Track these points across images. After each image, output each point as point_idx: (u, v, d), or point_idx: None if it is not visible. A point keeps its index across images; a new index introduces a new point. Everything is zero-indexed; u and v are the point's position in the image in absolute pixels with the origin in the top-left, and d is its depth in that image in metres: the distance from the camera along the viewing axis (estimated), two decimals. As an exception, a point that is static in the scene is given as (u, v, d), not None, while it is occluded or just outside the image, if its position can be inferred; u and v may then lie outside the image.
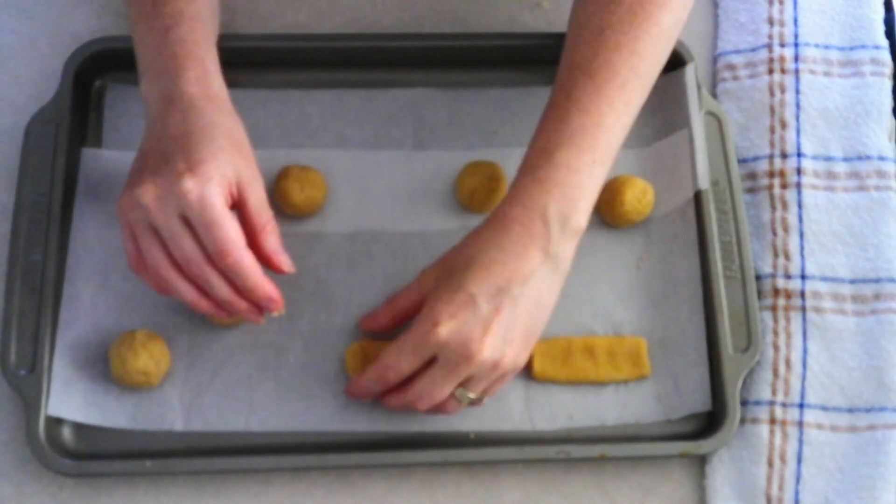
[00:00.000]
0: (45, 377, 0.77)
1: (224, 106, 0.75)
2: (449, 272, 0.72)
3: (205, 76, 0.74)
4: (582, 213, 0.73)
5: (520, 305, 0.71)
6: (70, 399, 0.78)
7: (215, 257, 0.70)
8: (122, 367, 0.77)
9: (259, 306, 0.73)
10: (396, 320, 0.77)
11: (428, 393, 0.73)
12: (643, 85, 0.76)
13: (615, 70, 0.74)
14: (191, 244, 0.70)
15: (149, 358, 0.77)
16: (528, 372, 0.80)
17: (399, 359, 0.72)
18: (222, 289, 0.71)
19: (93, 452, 0.78)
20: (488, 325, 0.70)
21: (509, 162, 0.85)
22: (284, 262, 0.75)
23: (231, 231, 0.70)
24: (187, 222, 0.69)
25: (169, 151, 0.70)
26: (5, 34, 0.90)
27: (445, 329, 0.70)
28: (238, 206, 0.73)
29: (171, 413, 0.79)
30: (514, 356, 0.73)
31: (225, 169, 0.70)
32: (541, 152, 0.73)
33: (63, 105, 0.84)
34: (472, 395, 0.74)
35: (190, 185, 0.68)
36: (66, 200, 0.82)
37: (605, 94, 0.73)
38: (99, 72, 0.88)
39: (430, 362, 0.72)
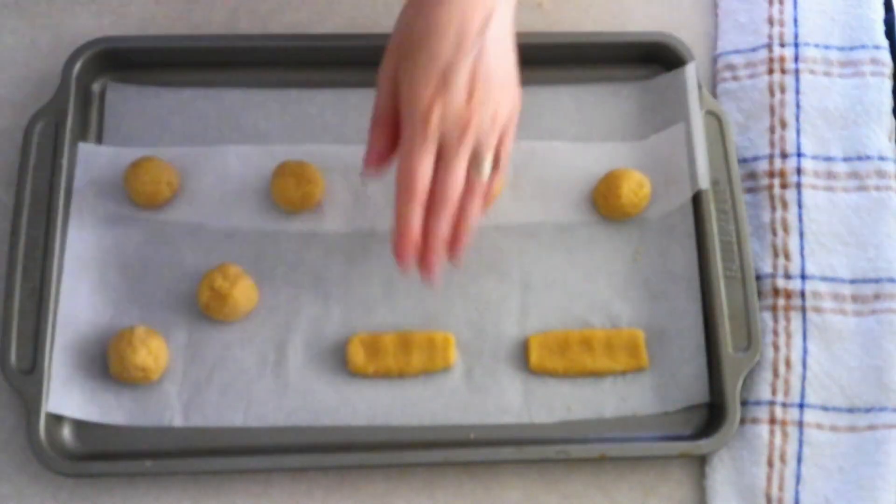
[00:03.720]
0: (46, 377, 0.77)
1: None
2: (409, 52, 0.71)
3: None
4: None
5: (490, 53, 0.71)
6: (69, 396, 0.78)
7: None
8: (121, 363, 0.77)
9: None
10: (389, 132, 0.74)
11: (451, 182, 0.71)
12: None
13: None
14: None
15: (147, 354, 0.77)
16: (525, 365, 0.81)
17: (411, 164, 0.70)
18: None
19: (93, 453, 0.78)
20: (471, 89, 0.70)
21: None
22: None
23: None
24: None
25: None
26: (5, 34, 0.90)
27: (434, 117, 0.69)
28: None
29: (169, 409, 0.79)
30: (509, 101, 0.73)
31: None
32: None
33: (63, 105, 0.84)
34: (487, 163, 0.73)
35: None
36: (66, 200, 0.82)
37: None
38: (99, 72, 0.88)
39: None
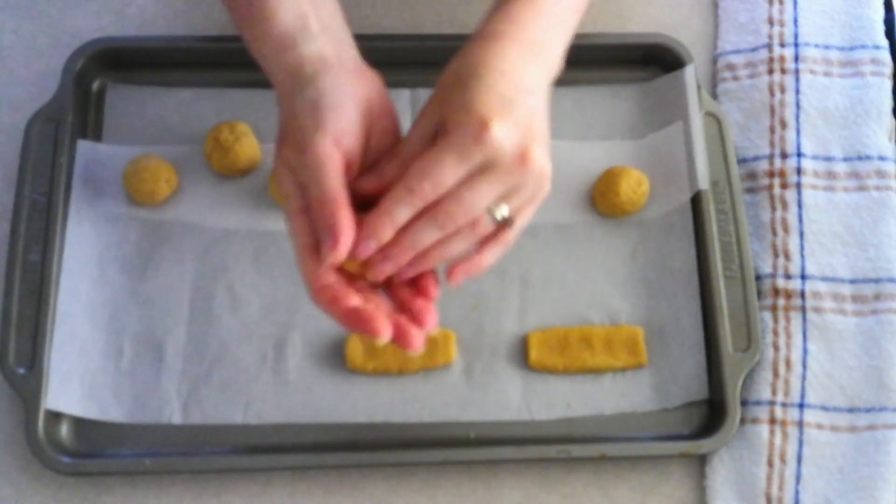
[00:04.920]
0: (45, 376, 0.77)
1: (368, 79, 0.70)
2: (461, 83, 0.64)
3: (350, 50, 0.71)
4: (561, 56, 0.70)
5: (542, 112, 0.65)
6: (68, 393, 0.78)
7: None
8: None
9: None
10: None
11: (468, 203, 0.63)
12: None
13: None
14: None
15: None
16: (525, 362, 0.81)
17: (441, 169, 0.62)
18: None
19: (92, 451, 0.78)
20: (531, 128, 0.63)
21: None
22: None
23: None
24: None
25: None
26: (5, 34, 0.90)
27: (499, 129, 0.61)
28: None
29: (168, 406, 0.79)
30: (549, 174, 0.66)
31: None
32: None
33: (63, 104, 0.84)
34: (506, 213, 0.65)
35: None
36: (66, 200, 0.82)
37: None
38: (99, 72, 0.88)
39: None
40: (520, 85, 0.64)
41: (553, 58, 0.69)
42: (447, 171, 0.62)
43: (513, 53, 0.66)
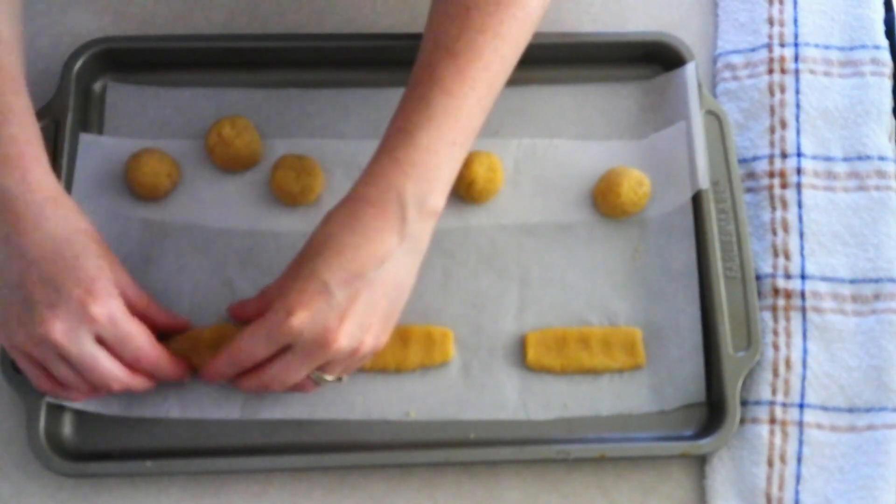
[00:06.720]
0: (45, 377, 0.77)
1: (72, 207, 0.74)
2: (301, 259, 0.72)
3: (45, 176, 0.73)
4: (439, 195, 0.73)
5: (377, 289, 0.71)
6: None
7: (134, 364, 0.73)
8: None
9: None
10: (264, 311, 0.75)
11: (281, 377, 0.73)
12: (506, 68, 0.75)
13: (479, 51, 0.73)
14: (108, 363, 0.72)
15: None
16: (522, 362, 0.81)
17: (253, 345, 0.72)
18: (145, 384, 0.75)
19: (93, 453, 0.78)
20: (344, 314, 0.70)
21: (506, 152, 0.86)
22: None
23: (142, 339, 0.73)
24: (101, 341, 0.71)
25: (49, 276, 0.70)
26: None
27: (298, 319, 0.69)
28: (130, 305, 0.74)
29: (166, 401, 0.79)
30: (374, 340, 0.73)
31: (112, 279, 0.72)
32: (399, 132, 0.72)
33: (63, 104, 0.84)
34: (329, 378, 0.74)
35: (97, 309, 0.70)
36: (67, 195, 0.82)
37: (468, 76, 0.72)
38: (99, 71, 0.88)
39: (286, 347, 0.72)
40: (359, 263, 0.70)
41: (432, 204, 0.72)
42: (258, 348, 0.72)
43: (367, 223, 0.71)
